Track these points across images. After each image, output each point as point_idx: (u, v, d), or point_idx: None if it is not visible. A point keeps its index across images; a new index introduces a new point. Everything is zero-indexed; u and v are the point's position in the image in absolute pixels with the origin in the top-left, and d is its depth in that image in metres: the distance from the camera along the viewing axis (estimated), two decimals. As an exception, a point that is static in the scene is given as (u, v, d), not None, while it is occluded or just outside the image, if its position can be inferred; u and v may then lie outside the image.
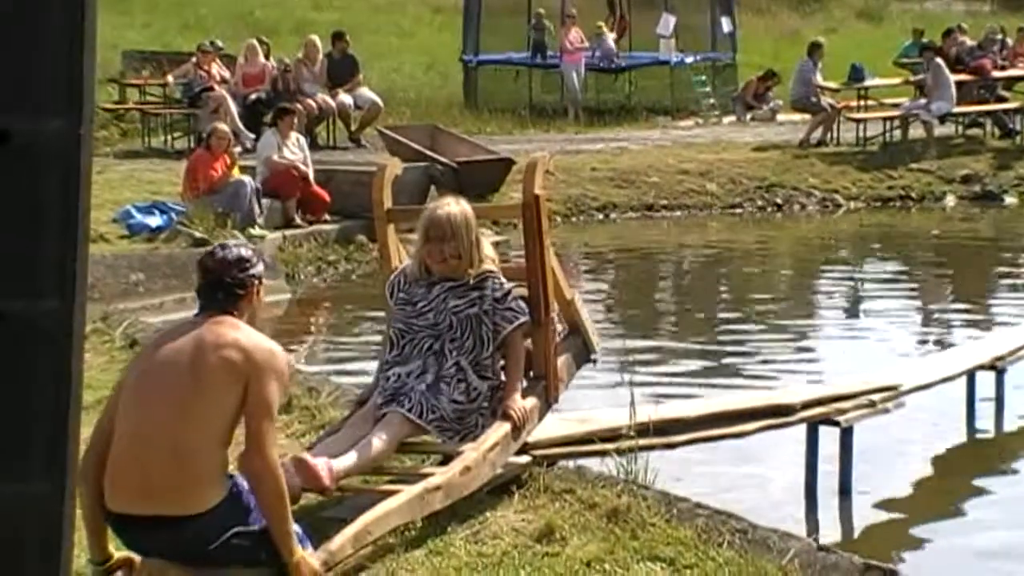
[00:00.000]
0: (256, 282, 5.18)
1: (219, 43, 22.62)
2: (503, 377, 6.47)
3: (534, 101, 26.77)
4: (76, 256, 1.67)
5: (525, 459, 6.64)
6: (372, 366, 11.12)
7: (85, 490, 4.84)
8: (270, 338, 5.22)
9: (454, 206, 6.42)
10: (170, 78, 21.53)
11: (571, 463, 7.04)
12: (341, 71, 21.76)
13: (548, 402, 6.65)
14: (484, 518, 6.15)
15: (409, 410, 6.20)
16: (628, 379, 8.00)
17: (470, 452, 6.13)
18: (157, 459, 4.81)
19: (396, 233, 6.93)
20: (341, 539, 5.44)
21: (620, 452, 6.87)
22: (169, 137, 21.23)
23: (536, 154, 6.99)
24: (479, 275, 6.37)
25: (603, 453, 6.97)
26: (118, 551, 5.07)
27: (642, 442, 6.92)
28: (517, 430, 6.34)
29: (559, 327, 6.84)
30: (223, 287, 5.10)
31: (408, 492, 5.82)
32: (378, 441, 6.10)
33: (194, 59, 21.38)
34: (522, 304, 6.45)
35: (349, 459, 5.95)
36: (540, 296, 6.44)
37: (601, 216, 19.21)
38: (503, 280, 6.45)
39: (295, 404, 8.09)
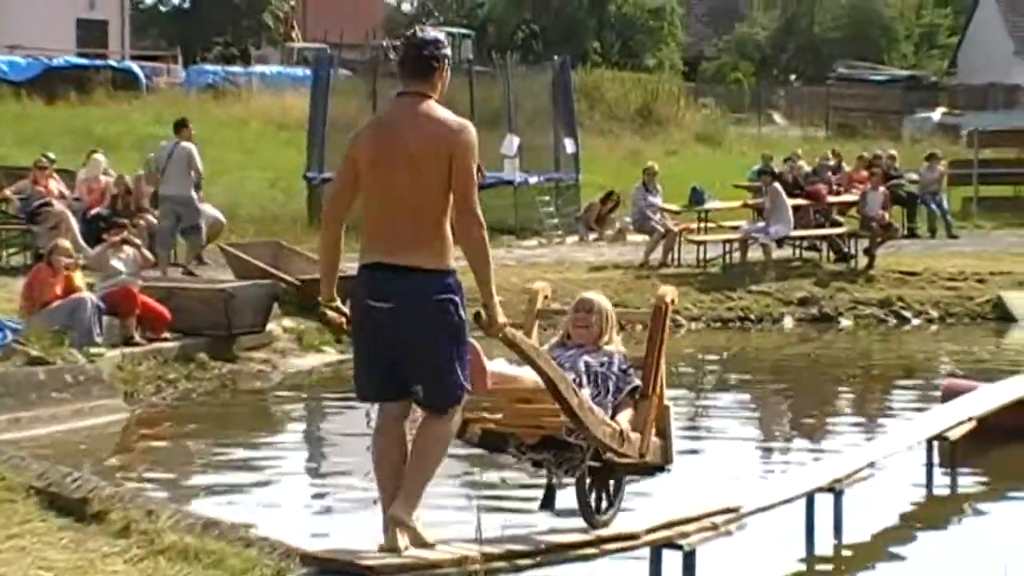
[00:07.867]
0: (447, 62, 6.67)
1: (51, 155, 22.29)
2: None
3: (379, 219, 26.69)
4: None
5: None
6: (218, 479, 10.99)
7: (326, 236, 6.71)
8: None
9: (600, 296, 8.22)
10: (8, 192, 21.17)
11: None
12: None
13: (640, 451, 7.73)
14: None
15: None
16: (475, 504, 7.94)
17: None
18: (400, 224, 6.46)
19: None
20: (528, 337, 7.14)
21: (466, 578, 6.81)
22: (4, 253, 20.88)
23: (665, 287, 8.54)
24: (611, 351, 7.91)
25: (449, 580, 6.89)
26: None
27: (489, 566, 6.87)
28: (614, 433, 7.52)
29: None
30: (421, 58, 6.59)
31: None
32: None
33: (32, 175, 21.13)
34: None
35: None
36: (651, 376, 7.90)
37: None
38: (629, 360, 7.97)
39: (132, 528, 7.92)
